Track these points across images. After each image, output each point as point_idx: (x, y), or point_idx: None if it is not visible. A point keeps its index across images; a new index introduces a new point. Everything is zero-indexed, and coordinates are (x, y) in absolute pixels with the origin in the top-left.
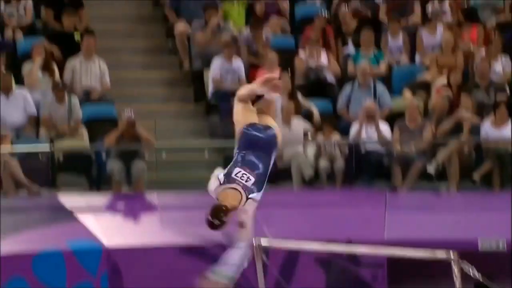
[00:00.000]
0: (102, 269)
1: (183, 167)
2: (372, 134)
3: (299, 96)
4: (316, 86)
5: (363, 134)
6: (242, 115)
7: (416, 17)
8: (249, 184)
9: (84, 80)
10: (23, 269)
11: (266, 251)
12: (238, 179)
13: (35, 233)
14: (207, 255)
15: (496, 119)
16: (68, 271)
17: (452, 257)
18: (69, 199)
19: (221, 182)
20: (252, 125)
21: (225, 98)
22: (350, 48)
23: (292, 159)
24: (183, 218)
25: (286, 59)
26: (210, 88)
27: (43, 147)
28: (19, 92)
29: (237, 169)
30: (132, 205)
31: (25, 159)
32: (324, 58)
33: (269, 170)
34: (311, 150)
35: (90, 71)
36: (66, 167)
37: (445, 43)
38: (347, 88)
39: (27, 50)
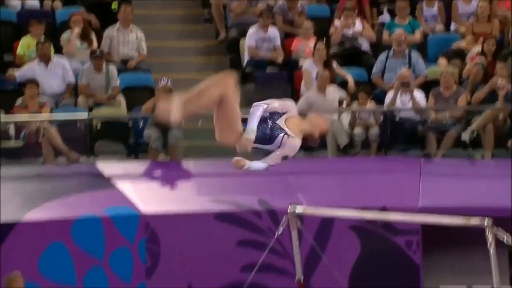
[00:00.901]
0: (140, 236)
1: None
2: (407, 102)
3: (334, 64)
4: (351, 55)
5: (398, 102)
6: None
7: None
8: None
9: (121, 49)
10: (63, 235)
11: (301, 218)
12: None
13: (74, 200)
14: (242, 221)
15: None
16: (106, 237)
17: (486, 224)
18: (107, 167)
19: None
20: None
21: (260, 66)
22: (385, 17)
23: None
24: (219, 185)
25: (322, 28)
26: (245, 57)
27: (81, 115)
28: (57, 61)
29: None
30: (169, 173)
31: (64, 127)
32: (359, 27)
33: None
34: (346, 118)
35: (127, 40)
36: (104, 135)
37: (480, 11)
38: (382, 56)
39: (66, 19)
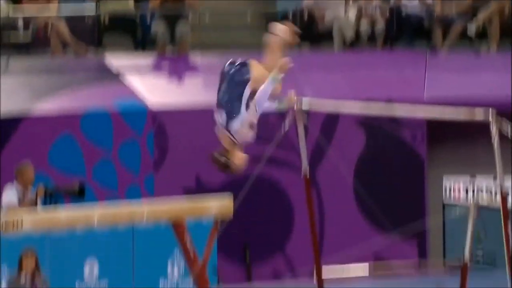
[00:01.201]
0: (148, 128)
1: (226, 29)
2: None
3: None
4: None
5: None
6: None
7: None
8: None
9: None
10: (72, 127)
11: (307, 112)
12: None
13: (82, 93)
14: None
15: None
16: (115, 129)
17: (490, 116)
18: (115, 59)
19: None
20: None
21: None
22: None
23: (334, 21)
24: None
25: None
26: None
27: (89, 8)
28: None
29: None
30: (176, 66)
31: (71, 20)
32: None
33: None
34: (352, 12)
35: None
36: (111, 28)
37: None
38: None
39: None
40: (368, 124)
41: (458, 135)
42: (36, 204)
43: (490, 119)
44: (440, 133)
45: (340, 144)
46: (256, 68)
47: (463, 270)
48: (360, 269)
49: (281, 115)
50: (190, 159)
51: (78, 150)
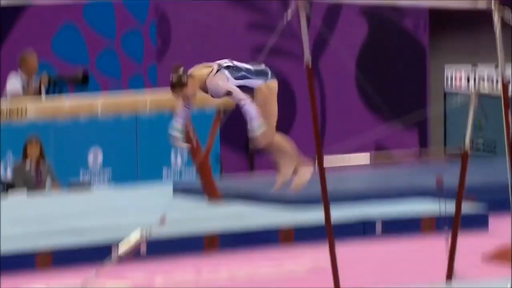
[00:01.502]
0: (150, 18)
1: None
2: None
3: None
4: None
5: None
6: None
7: None
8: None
9: None
10: (75, 16)
11: (310, 1)
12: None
13: None
14: (253, 5)
15: None
16: (117, 19)
17: (493, 3)
18: None
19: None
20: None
21: None
22: None
23: None
24: None
25: None
26: None
27: None
28: None
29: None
30: None
31: None
32: None
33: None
34: None
35: None
36: None
37: None
38: None
39: None
40: (371, 13)
41: (460, 24)
42: (40, 93)
43: (493, 7)
44: (442, 22)
45: (342, 33)
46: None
47: (464, 158)
48: (361, 159)
49: (283, 5)
50: (193, 49)
51: (81, 39)
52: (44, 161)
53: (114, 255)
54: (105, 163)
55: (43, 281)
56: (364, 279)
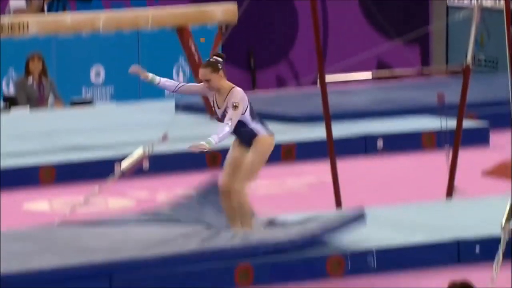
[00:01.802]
0: None
1: None
2: None
3: None
4: None
5: None
6: None
7: None
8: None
9: None
10: None
11: None
12: None
13: None
14: None
15: None
16: None
17: None
18: None
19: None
20: None
21: None
22: None
23: None
24: None
25: None
26: None
27: None
28: None
29: None
30: None
31: None
32: None
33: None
34: None
35: None
36: None
37: None
38: None
39: None
40: None
41: None
42: (43, 10)
43: None
44: None
45: None
46: None
47: (466, 72)
48: (363, 76)
49: None
50: None
51: None
52: (47, 77)
53: (116, 171)
54: (107, 81)
55: (46, 197)
56: (365, 195)
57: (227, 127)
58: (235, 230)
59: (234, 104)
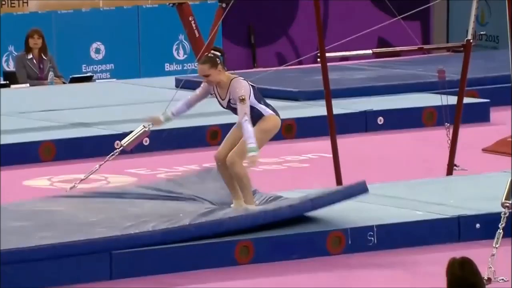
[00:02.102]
0: None
1: None
2: None
3: None
4: None
5: None
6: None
7: None
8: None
9: None
10: None
11: None
12: None
13: None
14: None
15: None
16: None
17: None
18: None
19: None
20: None
21: None
22: None
23: None
24: None
25: None
26: None
27: None
28: None
29: None
30: None
31: None
32: None
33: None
34: None
35: None
36: None
37: None
38: None
39: None
40: None
41: None
42: None
43: None
44: None
45: None
46: None
47: (466, 47)
48: (363, 53)
49: None
50: None
51: None
52: (47, 54)
53: (117, 147)
54: (107, 59)
55: (46, 174)
56: (365, 172)
57: (248, 124)
58: (236, 204)
59: (241, 98)
